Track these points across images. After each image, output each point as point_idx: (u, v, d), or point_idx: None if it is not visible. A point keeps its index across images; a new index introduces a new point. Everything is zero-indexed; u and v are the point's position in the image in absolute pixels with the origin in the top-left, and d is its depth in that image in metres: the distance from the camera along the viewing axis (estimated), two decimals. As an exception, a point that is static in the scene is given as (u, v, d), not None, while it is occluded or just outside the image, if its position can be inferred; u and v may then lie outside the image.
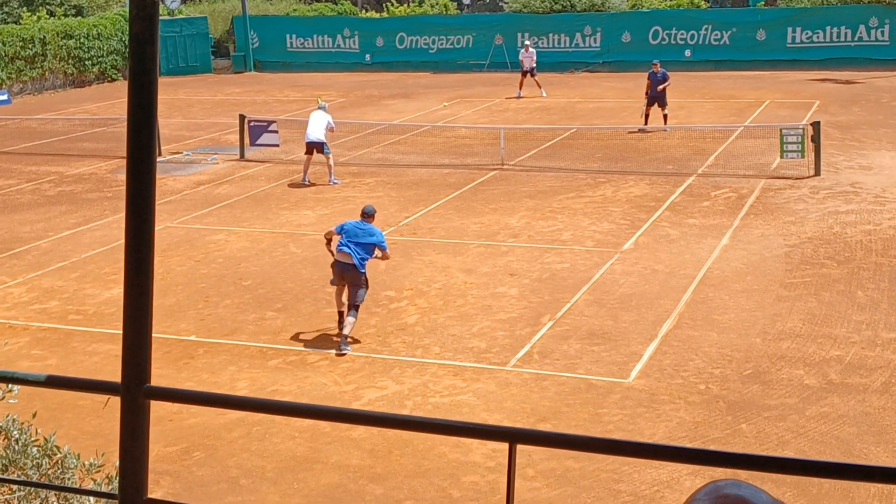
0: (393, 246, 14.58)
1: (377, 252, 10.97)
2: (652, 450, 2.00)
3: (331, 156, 18.67)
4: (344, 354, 10.62)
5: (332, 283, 11.17)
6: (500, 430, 2.26)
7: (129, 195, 2.51)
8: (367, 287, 10.95)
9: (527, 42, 30.49)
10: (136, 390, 2.40)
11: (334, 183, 18.49)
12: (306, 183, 18.63)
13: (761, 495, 1.56)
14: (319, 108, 19.17)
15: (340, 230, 11.06)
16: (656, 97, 22.27)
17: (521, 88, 28.96)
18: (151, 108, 2.40)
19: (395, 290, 12.63)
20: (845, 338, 10.42)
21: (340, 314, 11.03)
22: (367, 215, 11.18)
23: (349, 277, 10.78)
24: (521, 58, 29.32)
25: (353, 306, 10.78)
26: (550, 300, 11.97)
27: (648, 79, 22.60)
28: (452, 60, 37.29)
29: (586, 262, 13.34)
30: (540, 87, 28.77)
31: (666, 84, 22.17)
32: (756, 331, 10.72)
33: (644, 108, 22.55)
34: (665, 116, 22.15)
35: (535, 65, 28.79)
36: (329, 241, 11.23)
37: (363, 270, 10.80)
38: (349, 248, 10.78)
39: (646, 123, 22.38)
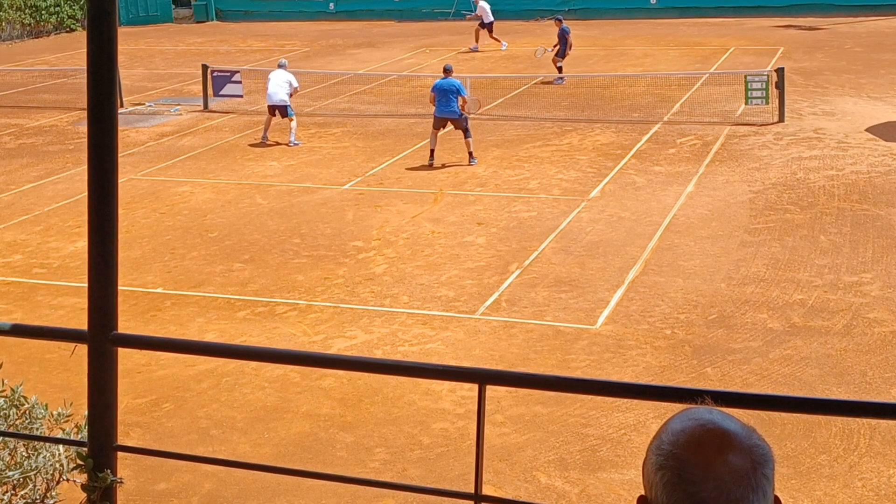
0: (360, 196, 14.55)
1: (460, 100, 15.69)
2: (617, 388, 2.03)
3: (294, 117, 18.00)
4: (475, 163, 15.55)
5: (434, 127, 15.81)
6: (469, 372, 2.29)
7: (90, 142, 2.48)
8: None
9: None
10: (102, 337, 2.40)
11: (295, 144, 17.87)
12: (266, 141, 18.19)
13: (731, 420, 1.61)
14: (279, 65, 18.54)
15: (434, 89, 15.78)
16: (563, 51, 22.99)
17: (476, 40, 28.32)
18: (111, 55, 2.36)
19: (363, 240, 12.62)
20: (808, 282, 10.57)
21: (432, 151, 15.81)
22: (448, 71, 16.06)
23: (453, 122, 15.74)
24: (477, 11, 28.46)
25: (465, 130, 15.70)
26: (518, 248, 12.02)
27: (558, 37, 23.23)
28: (417, 9, 36.89)
29: (553, 211, 13.39)
30: (477, 41, 28.06)
31: (566, 41, 22.88)
32: (721, 276, 10.85)
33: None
34: (559, 68, 22.89)
35: (491, 19, 27.92)
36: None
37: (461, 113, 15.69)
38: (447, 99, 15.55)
39: (560, 76, 22.86)
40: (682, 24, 31.77)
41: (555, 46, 23.26)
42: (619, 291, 10.58)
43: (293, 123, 17.93)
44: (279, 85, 17.78)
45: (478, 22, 28.24)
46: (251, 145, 18.01)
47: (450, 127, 16.04)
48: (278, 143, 18.07)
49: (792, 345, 9.15)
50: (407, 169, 15.91)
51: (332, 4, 38.05)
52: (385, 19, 36.72)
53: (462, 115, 15.76)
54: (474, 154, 15.90)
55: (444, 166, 15.83)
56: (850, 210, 12.83)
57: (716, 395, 1.80)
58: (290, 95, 17.94)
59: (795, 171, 14.70)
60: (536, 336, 9.63)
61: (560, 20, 23.68)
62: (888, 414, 1.87)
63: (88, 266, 2.41)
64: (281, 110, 17.80)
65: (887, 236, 11.82)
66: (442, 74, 16.36)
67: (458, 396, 8.45)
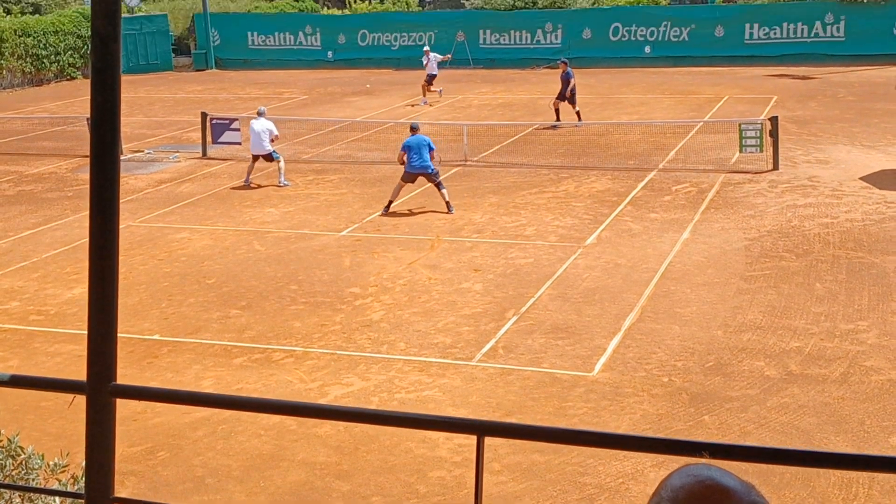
0: (357, 243, 14.59)
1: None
2: (617, 440, 2.04)
3: (281, 159, 18.31)
4: (453, 213, 15.68)
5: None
6: (468, 423, 2.29)
7: (92, 194, 2.50)
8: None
9: (426, 48, 29.19)
10: (101, 389, 2.40)
11: (284, 184, 18.13)
12: (249, 184, 18.28)
13: (730, 477, 1.61)
14: (259, 113, 18.67)
15: (405, 148, 15.87)
16: (570, 96, 23.10)
17: (424, 94, 27.75)
18: (115, 105, 2.40)
19: (360, 286, 12.63)
20: (805, 329, 10.58)
21: (391, 202, 16.09)
22: (415, 129, 16.28)
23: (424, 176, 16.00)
24: (425, 62, 27.80)
25: (438, 184, 15.92)
26: (515, 295, 12.03)
27: (560, 79, 23.43)
28: (415, 57, 37.19)
29: (550, 257, 13.42)
30: (424, 95, 27.59)
31: (568, 85, 22.99)
32: (717, 323, 10.86)
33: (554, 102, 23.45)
34: (577, 113, 22.97)
35: (434, 72, 27.56)
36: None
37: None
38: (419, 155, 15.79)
39: (557, 119, 23.17)
40: (677, 73, 32.09)
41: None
42: (616, 338, 10.58)
43: (281, 164, 18.30)
44: (260, 135, 18.13)
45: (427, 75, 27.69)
46: (248, 191, 18.09)
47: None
48: (260, 186, 18.22)
49: (789, 393, 9.14)
50: (404, 215, 15.97)
51: (330, 53, 38.42)
52: (383, 67, 37.06)
53: (435, 169, 15.99)
54: (451, 203, 15.97)
55: (431, 212, 15.89)
56: (846, 258, 12.87)
57: (715, 447, 1.81)
58: (272, 142, 18.23)
59: (790, 219, 14.77)
60: (533, 383, 9.61)
61: (565, 62, 23.78)
62: (891, 467, 1.87)
63: (88, 317, 2.43)
64: (265, 157, 18.19)
65: (883, 284, 11.85)
66: (409, 133, 16.40)
67: (454, 444, 8.42)
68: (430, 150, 15.94)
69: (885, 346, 10.06)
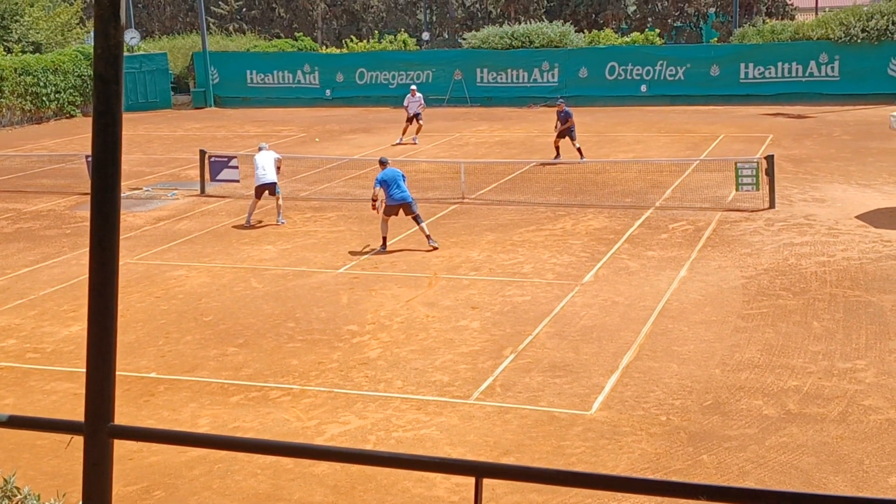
0: (355, 280, 14.59)
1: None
2: (615, 482, 2.04)
3: (280, 195, 18.43)
4: (436, 248, 15.81)
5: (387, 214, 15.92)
6: (466, 465, 2.29)
7: (93, 234, 2.52)
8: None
9: (413, 87, 29.48)
10: (99, 429, 2.40)
11: (282, 223, 18.23)
12: (250, 224, 18.20)
13: None
14: (261, 148, 18.77)
15: (380, 183, 15.83)
16: (564, 132, 23.54)
17: (403, 133, 27.90)
18: (116, 146, 2.42)
19: (358, 324, 12.62)
20: (802, 368, 10.57)
21: (385, 238, 16.06)
22: (384, 163, 16.34)
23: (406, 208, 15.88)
24: (406, 103, 28.00)
25: (416, 216, 15.89)
26: (512, 333, 12.02)
27: (557, 116, 23.92)
28: (413, 95, 37.49)
29: (547, 295, 13.43)
30: (417, 133, 27.73)
31: (566, 123, 23.38)
32: (715, 362, 10.84)
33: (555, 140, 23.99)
34: (579, 150, 23.26)
35: (420, 110, 27.77)
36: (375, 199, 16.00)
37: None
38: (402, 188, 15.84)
39: (557, 155, 23.67)
40: (673, 112, 32.32)
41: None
42: (614, 377, 10.56)
43: (280, 201, 18.41)
44: (268, 164, 18.22)
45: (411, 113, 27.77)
46: (246, 229, 18.11)
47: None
48: (261, 223, 18.27)
49: (788, 432, 9.11)
50: (402, 253, 15.99)
51: (328, 91, 38.68)
52: (380, 105, 37.30)
53: (413, 200, 16.07)
54: (432, 236, 16.06)
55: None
56: (843, 296, 12.89)
57: (713, 490, 1.81)
58: (278, 170, 18.41)
59: (787, 257, 14.81)
60: (531, 422, 9.58)
61: (562, 101, 24.25)
62: None
63: (87, 358, 2.43)
64: (270, 188, 18.20)
65: (880, 323, 11.85)
66: (379, 168, 16.45)
67: (452, 484, 8.37)
68: (404, 180, 16.10)
69: (884, 385, 10.05)
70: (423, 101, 28.11)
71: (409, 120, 27.71)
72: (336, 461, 2.20)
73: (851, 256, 14.67)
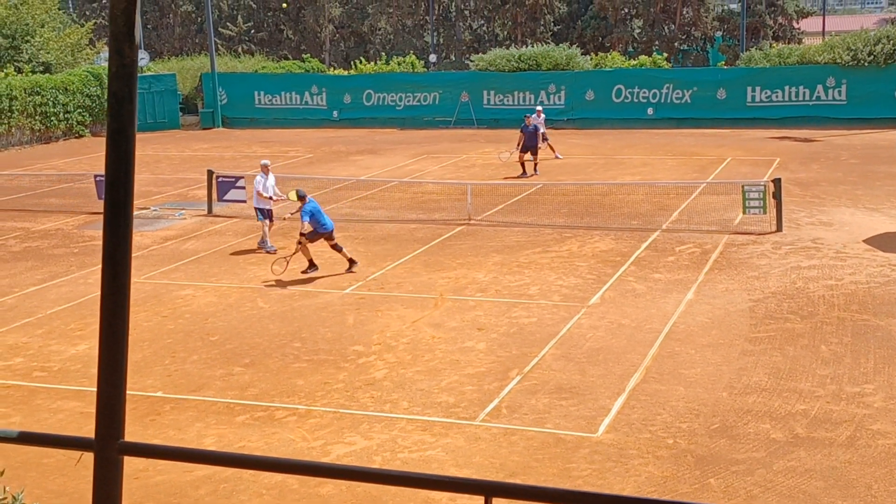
0: (361, 301, 14.60)
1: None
2: (624, 503, 2.03)
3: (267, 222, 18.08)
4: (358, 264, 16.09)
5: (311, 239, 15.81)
6: (475, 483, 2.29)
7: (105, 254, 2.53)
8: None
9: (538, 108, 28.80)
10: (109, 446, 2.41)
11: (272, 249, 17.84)
12: (273, 250, 17.86)
13: None
14: (268, 171, 18.45)
15: (311, 216, 15.64)
16: (529, 146, 24.92)
17: (553, 151, 27.59)
18: (130, 164, 2.44)
19: (364, 344, 12.61)
20: (810, 392, 10.53)
21: (311, 261, 16.06)
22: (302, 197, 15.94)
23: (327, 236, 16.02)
24: (532, 122, 25.63)
25: (336, 244, 16.11)
26: (518, 354, 12.00)
27: (521, 132, 25.18)
28: (419, 117, 37.66)
29: (553, 317, 13.41)
30: (553, 150, 27.70)
31: (540, 134, 25.29)
32: (722, 385, 10.80)
33: (518, 154, 25.22)
34: (536, 163, 25.02)
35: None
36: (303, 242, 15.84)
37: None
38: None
39: (524, 171, 25.03)
40: (680, 135, 32.36)
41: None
42: (621, 399, 10.53)
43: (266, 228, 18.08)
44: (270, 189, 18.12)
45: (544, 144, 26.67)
46: (252, 249, 18.13)
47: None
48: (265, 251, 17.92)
49: (796, 456, 9.07)
50: (408, 273, 16.00)
51: (335, 112, 38.83)
52: (387, 127, 37.42)
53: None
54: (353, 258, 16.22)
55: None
56: (851, 320, 12.85)
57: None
58: (271, 199, 18.15)
59: (795, 281, 14.78)
60: (537, 444, 9.55)
61: (528, 116, 25.93)
62: None
63: (98, 374, 2.45)
64: (272, 212, 18.11)
65: (888, 347, 11.81)
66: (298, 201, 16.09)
67: (458, 506, 8.34)
68: None
69: (892, 410, 10.00)
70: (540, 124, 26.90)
71: (528, 149, 25.11)
72: (345, 479, 2.20)
73: (859, 280, 14.64)
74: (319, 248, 16.47)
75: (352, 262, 16.12)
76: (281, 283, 15.70)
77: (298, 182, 23.93)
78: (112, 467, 2.41)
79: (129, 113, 2.46)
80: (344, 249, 16.22)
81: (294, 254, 15.92)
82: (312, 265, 16.12)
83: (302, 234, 15.81)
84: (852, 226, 18.17)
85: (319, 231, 15.96)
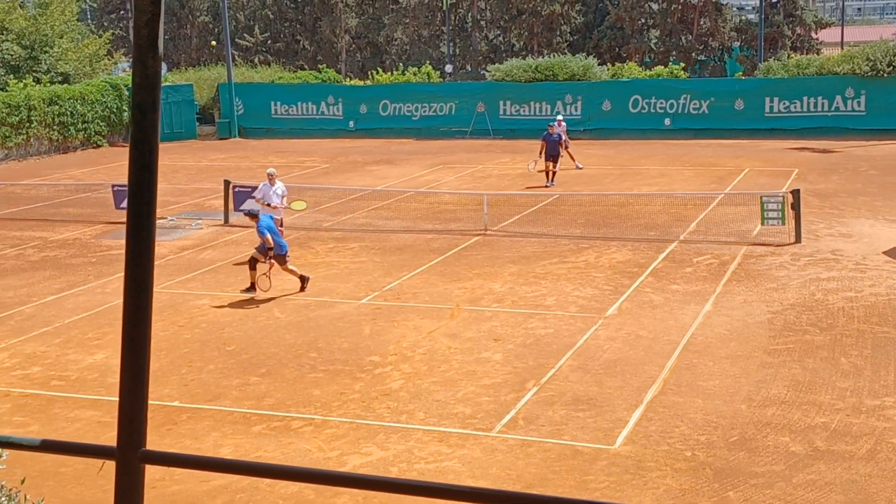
0: (377, 311, 14.59)
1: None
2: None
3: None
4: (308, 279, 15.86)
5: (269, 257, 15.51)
6: (496, 494, 2.27)
7: (127, 264, 2.53)
8: None
9: (559, 117, 28.79)
10: (131, 455, 2.40)
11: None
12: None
13: None
14: (274, 180, 18.52)
15: (269, 230, 15.47)
16: (551, 155, 25.18)
17: (574, 160, 27.47)
18: (152, 173, 2.44)
19: (380, 355, 12.60)
20: (830, 405, 10.44)
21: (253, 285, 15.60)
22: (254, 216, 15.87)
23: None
24: (556, 131, 25.82)
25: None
26: (535, 365, 11.96)
27: (544, 140, 25.50)
28: (435, 127, 37.71)
29: (570, 328, 13.36)
30: (573, 160, 27.63)
31: (563, 143, 25.79)
32: (741, 397, 10.73)
33: (543, 163, 25.37)
34: (554, 172, 25.18)
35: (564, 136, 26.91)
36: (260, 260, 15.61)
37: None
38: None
39: (550, 180, 25.14)
40: (697, 145, 32.26)
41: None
42: (638, 411, 10.47)
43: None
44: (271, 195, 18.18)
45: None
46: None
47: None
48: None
49: (815, 469, 8.99)
50: (424, 284, 15.98)
51: (351, 122, 38.92)
52: (403, 137, 37.48)
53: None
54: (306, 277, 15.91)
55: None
56: (871, 332, 12.75)
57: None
58: (268, 206, 18.13)
59: (814, 293, 14.68)
60: (554, 455, 9.50)
61: (551, 124, 26.13)
62: None
63: (120, 382, 2.44)
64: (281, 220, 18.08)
65: (908, 359, 11.70)
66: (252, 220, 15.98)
67: (475, 517, 8.29)
68: None
69: (913, 423, 9.90)
70: (565, 128, 27.44)
71: (550, 157, 25.27)
72: (365, 489, 2.18)
73: (879, 292, 14.53)
74: (336, 263, 16.46)
75: (303, 279, 15.80)
76: (297, 293, 15.71)
77: (314, 193, 24.01)
78: (134, 476, 2.40)
79: (152, 123, 2.47)
80: (293, 268, 15.84)
81: (271, 268, 15.55)
82: (253, 287, 15.63)
83: (269, 249, 15.40)
84: (872, 237, 18.04)
85: (277, 252, 15.59)
